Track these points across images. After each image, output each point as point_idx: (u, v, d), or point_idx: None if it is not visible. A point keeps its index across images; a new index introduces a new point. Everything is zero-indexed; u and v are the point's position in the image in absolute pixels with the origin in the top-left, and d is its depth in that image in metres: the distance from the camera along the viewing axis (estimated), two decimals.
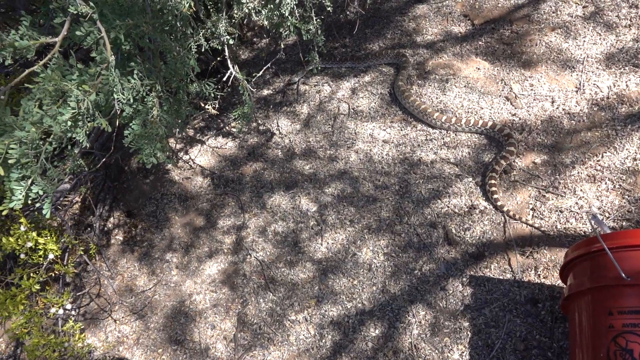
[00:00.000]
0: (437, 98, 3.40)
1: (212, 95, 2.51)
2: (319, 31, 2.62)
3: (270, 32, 3.88)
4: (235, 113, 2.69)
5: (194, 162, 3.61)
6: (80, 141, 1.74)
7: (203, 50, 2.38)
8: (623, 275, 1.75)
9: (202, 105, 2.78)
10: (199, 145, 3.70)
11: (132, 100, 1.73)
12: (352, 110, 3.54)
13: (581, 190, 2.67)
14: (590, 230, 2.52)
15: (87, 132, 1.75)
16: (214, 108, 2.81)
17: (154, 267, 3.10)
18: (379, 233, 2.85)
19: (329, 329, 2.58)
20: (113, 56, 1.72)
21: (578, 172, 2.74)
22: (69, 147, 1.98)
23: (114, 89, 1.69)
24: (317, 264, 2.84)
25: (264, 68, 3.05)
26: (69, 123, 1.66)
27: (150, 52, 1.95)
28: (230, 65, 2.50)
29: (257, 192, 3.28)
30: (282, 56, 2.91)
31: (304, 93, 3.80)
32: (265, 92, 3.94)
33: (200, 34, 2.27)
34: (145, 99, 1.88)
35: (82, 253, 3.00)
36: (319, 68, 2.93)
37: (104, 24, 1.69)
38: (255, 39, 4.51)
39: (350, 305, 2.65)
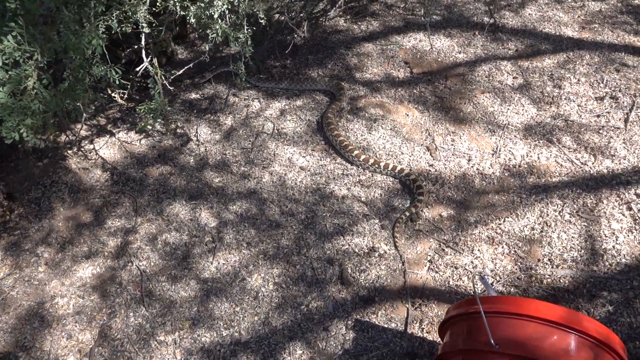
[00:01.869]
0: (362, 135, 3.40)
1: (117, 82, 2.33)
2: (249, 41, 2.53)
3: (198, 32, 3.76)
4: (142, 108, 2.52)
5: (96, 153, 3.35)
6: None
7: (114, 32, 2.22)
8: (492, 342, 1.72)
9: (110, 93, 2.58)
10: (108, 136, 3.46)
11: (0, 63, 1.53)
12: (276, 130, 3.46)
13: (479, 250, 2.70)
14: (479, 291, 2.52)
15: None
16: (121, 98, 2.62)
17: (20, 259, 2.78)
18: (274, 261, 2.73)
19: (197, 356, 2.38)
20: None
21: (479, 232, 2.78)
22: None
23: None
24: (201, 283, 2.66)
25: (185, 68, 2.91)
26: None
27: (41, 17, 1.76)
28: (144, 56, 2.34)
29: (158, 196, 3.07)
30: (207, 59, 2.78)
31: (232, 104, 3.69)
32: (193, 95, 3.79)
33: (114, 15, 2.11)
34: (22, 67, 1.68)
35: None
36: (243, 79, 2.83)
37: None
38: (197, 42, 4.38)
39: (226, 333, 2.47)
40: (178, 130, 3.51)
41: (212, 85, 3.86)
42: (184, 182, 3.16)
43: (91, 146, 3.41)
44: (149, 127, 3.09)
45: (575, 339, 1.70)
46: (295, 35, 4.26)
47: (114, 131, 3.50)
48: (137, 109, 2.64)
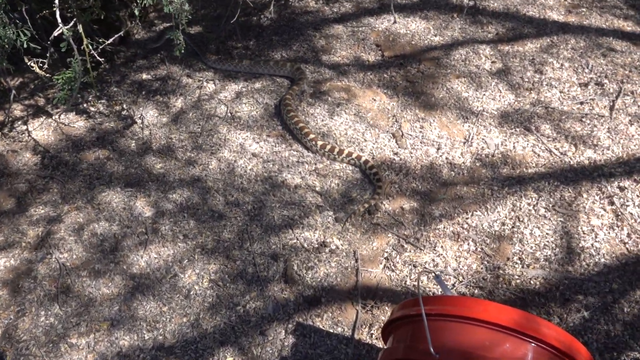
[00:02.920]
0: (322, 121, 3.14)
1: (24, 45, 2.05)
2: (185, 5, 2.25)
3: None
4: (59, 77, 2.23)
5: (29, 135, 3.07)
6: None
7: None
8: (432, 350, 1.45)
9: (27, 61, 2.30)
10: (44, 117, 3.18)
11: None
12: (229, 114, 3.20)
13: (442, 246, 2.44)
14: (438, 291, 2.25)
15: None
16: (40, 68, 2.34)
17: None
18: (212, 255, 2.46)
19: None
20: None
21: (444, 227, 2.52)
22: None
23: None
24: (128, 279, 2.38)
25: (117, 35, 2.62)
26: None
27: None
28: (59, 20, 2.06)
29: (90, 182, 2.80)
30: (137, 32, 2.50)
31: (185, 86, 3.42)
32: (144, 76, 3.53)
33: None
34: None
35: None
36: (182, 51, 2.55)
37: None
38: (156, 21, 4.11)
39: (148, 336, 2.19)
40: (123, 113, 3.25)
41: (165, 66, 3.59)
42: (122, 168, 2.89)
43: (24, 127, 3.13)
44: (93, 107, 2.80)
45: (532, 349, 1.43)
46: (262, 16, 3.99)
47: (52, 112, 3.22)
48: (53, 79, 2.35)
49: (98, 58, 2.46)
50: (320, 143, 2.89)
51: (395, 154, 2.93)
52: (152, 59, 3.66)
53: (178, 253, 2.48)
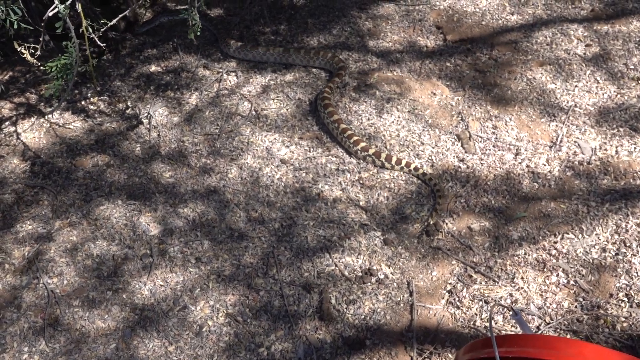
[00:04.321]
0: (368, 120, 3.13)
1: (15, 25, 2.14)
2: None
3: None
4: (52, 65, 2.31)
5: (17, 137, 3.20)
6: None
7: None
8: None
9: (17, 47, 2.40)
10: (35, 117, 3.32)
11: None
12: (254, 112, 3.24)
13: (522, 278, 2.37)
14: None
15: None
16: (32, 55, 2.43)
17: None
18: (230, 284, 2.46)
19: None
20: None
21: (525, 253, 2.46)
22: None
23: None
24: (128, 311, 2.41)
25: (119, 17, 2.69)
26: None
27: None
28: None
29: (87, 194, 2.88)
30: (146, 17, 2.58)
31: (201, 79, 3.50)
32: (153, 67, 3.63)
33: None
34: None
35: None
36: (198, 33, 2.60)
37: None
38: (169, 4, 4.25)
39: None
40: (127, 111, 3.34)
41: (178, 56, 3.69)
42: (125, 177, 2.96)
43: (12, 129, 3.27)
44: (92, 104, 2.89)
45: None
46: None
47: (45, 110, 3.35)
48: (45, 66, 2.44)
49: (99, 43, 2.54)
50: (361, 145, 2.87)
51: (461, 160, 2.88)
52: (162, 48, 3.77)
53: (189, 280, 2.50)
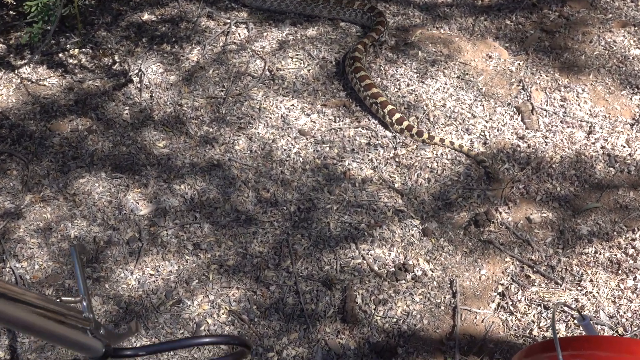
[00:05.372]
0: (408, 86, 3.21)
1: None
2: None
3: None
4: (32, 4, 2.37)
5: None
6: None
7: None
8: None
9: None
10: (4, 70, 3.41)
11: None
12: (268, 72, 3.33)
13: (591, 280, 2.43)
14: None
15: None
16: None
17: None
18: (234, 276, 2.54)
19: None
20: None
21: (595, 252, 2.53)
22: None
23: None
24: (112, 304, 2.50)
25: None
26: None
27: None
28: None
29: (64, 163, 2.97)
30: None
31: (204, 31, 3.58)
32: (146, 16, 3.73)
33: None
34: None
35: None
36: None
37: None
38: None
39: None
40: (114, 67, 3.42)
41: (177, 2, 3.76)
42: (110, 145, 3.04)
43: None
44: (72, 57, 2.94)
45: None
46: None
47: (16, 63, 3.43)
48: (24, 5, 2.51)
49: None
50: (396, 117, 2.94)
51: (521, 138, 2.94)
52: None
53: (185, 270, 2.56)
